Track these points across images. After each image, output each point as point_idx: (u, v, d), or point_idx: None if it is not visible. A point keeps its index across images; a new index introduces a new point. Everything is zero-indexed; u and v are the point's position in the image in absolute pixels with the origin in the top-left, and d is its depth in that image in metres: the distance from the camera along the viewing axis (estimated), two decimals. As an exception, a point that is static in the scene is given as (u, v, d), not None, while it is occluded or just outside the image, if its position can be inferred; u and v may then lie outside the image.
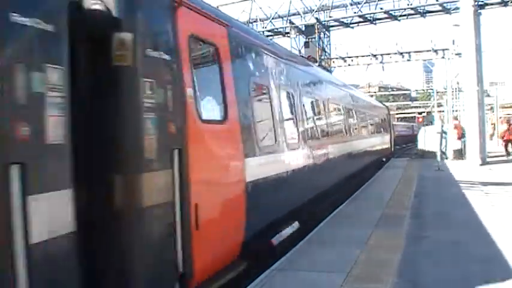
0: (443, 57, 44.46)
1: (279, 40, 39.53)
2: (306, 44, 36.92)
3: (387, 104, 78.45)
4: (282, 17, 38.22)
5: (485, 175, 19.56)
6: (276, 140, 8.64)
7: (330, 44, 40.43)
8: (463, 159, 26.01)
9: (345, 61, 46.22)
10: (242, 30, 8.37)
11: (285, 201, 9.01)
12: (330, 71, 35.25)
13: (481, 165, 23.67)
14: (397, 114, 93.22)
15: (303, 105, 11.02)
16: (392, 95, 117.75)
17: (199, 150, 5.70)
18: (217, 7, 34.86)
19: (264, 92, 8.67)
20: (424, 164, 24.80)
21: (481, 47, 25.34)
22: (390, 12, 36.18)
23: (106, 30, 4.44)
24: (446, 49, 43.18)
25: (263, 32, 37.52)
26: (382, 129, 29.02)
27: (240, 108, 7.18)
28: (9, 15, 3.32)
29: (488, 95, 50.31)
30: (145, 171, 4.68)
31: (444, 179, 18.39)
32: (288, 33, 38.65)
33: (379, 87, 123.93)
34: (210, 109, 6.54)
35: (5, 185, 3.27)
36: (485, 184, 16.40)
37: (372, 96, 57.50)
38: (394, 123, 59.00)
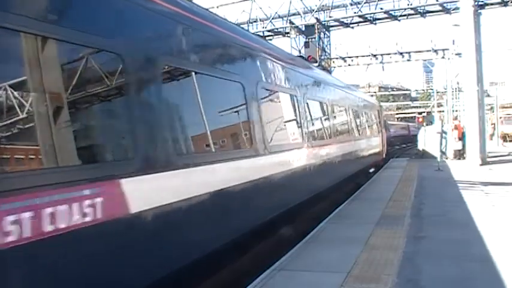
0: (443, 57, 44.47)
1: (279, 40, 39.67)
2: (306, 44, 36.89)
3: (387, 104, 78.27)
4: (282, 17, 38.18)
5: (485, 175, 19.59)
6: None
7: (330, 44, 40.40)
8: (463, 159, 26.04)
9: (345, 61, 46.26)
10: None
11: None
12: (330, 71, 35.24)
13: (481, 165, 23.72)
14: (397, 114, 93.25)
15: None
16: (392, 95, 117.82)
17: None
18: (217, 7, 34.97)
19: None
20: (424, 164, 24.81)
21: (481, 47, 25.37)
22: (390, 12, 36.14)
23: None
24: (446, 49, 43.20)
25: (263, 32, 37.51)
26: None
27: None
28: None
29: (488, 95, 50.34)
30: None
31: (444, 179, 18.40)
32: (288, 33, 38.63)
33: (379, 87, 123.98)
34: None
35: None
36: (485, 184, 16.43)
37: (372, 96, 57.47)
38: (390, 122, 58.99)
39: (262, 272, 6.96)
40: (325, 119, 13.96)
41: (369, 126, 22.92)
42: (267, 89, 9.37)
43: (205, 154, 6.80)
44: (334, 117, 15.06)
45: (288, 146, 10.17)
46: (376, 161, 23.80)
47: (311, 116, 12.15)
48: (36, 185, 3.99)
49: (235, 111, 8.00)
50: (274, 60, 9.99)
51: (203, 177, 6.42)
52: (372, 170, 22.25)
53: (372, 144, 23.09)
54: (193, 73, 6.58)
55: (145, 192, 5.18)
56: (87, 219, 4.39)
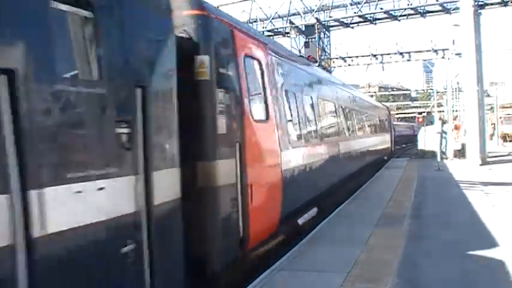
0: (443, 57, 44.42)
1: (279, 40, 39.48)
2: (306, 44, 36.88)
3: (387, 104, 78.35)
4: (282, 17, 38.16)
5: (485, 175, 19.60)
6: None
7: (330, 44, 40.39)
8: (463, 158, 26.04)
9: (345, 61, 46.23)
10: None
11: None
12: (330, 71, 35.26)
13: (481, 165, 23.72)
14: (397, 114, 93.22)
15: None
16: (392, 95, 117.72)
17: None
18: (218, 7, 34.93)
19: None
20: (424, 164, 24.82)
21: (481, 47, 25.38)
22: (390, 12, 36.14)
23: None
24: (446, 49, 43.15)
25: (263, 32, 37.49)
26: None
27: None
28: None
29: (488, 95, 50.30)
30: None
31: (444, 179, 18.41)
32: (288, 33, 38.62)
33: (379, 87, 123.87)
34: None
35: None
36: (485, 184, 16.43)
37: (372, 96, 57.48)
38: (394, 123, 59.02)
39: (262, 272, 6.96)
40: (363, 121, 21.63)
41: (383, 126, 30.00)
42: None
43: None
44: (369, 120, 23.52)
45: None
46: (388, 152, 31.57)
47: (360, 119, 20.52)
48: None
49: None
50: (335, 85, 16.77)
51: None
52: (385, 157, 29.42)
53: (386, 139, 30.31)
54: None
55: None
56: None
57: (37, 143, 3.31)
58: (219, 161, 6.35)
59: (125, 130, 4.26)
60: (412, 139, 60.10)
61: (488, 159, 25.71)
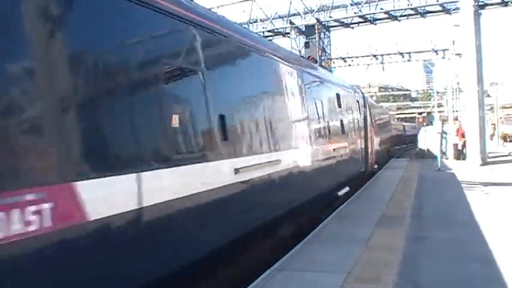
0: (443, 58, 44.48)
1: (279, 40, 39.54)
2: (306, 45, 36.93)
3: (387, 104, 78.08)
4: (282, 18, 38.18)
5: (485, 175, 19.58)
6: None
7: (330, 44, 40.40)
8: (463, 159, 26.02)
9: (345, 61, 46.30)
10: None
11: None
12: (331, 71, 35.31)
13: (482, 165, 23.71)
14: (397, 114, 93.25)
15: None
16: (392, 95, 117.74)
17: None
18: (218, 7, 34.94)
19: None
20: (424, 165, 24.81)
21: (481, 48, 25.32)
22: (390, 12, 36.17)
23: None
24: (447, 49, 43.19)
25: (263, 32, 37.49)
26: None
27: None
28: None
29: (488, 95, 50.21)
30: None
31: (444, 180, 18.41)
32: (288, 33, 38.65)
33: (379, 88, 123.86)
34: None
35: None
36: (485, 184, 16.42)
37: (372, 96, 57.42)
38: (401, 123, 59.10)
39: (262, 272, 6.94)
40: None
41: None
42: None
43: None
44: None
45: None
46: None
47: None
48: None
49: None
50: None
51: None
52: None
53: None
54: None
55: None
56: None
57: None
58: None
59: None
60: (414, 139, 60.46)
61: (489, 160, 25.67)
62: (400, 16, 36.97)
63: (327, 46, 39.49)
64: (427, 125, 40.89)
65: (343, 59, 45.99)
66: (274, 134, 9.10)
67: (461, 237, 8.88)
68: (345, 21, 38.13)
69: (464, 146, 26.35)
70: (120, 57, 5.12)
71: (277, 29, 39.13)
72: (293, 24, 37.66)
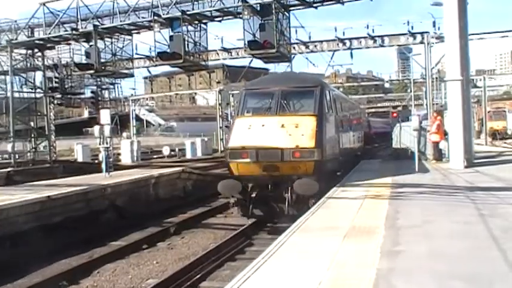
0: (421, 42, 45.07)
1: (230, 22, 39.38)
2: (262, 27, 36.85)
3: (356, 97, 78.97)
4: (234, -6, 38.01)
5: (470, 179, 19.69)
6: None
7: (289, 27, 40.40)
8: (445, 161, 26.31)
9: (307, 47, 46.30)
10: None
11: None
12: (290, 60, 35.50)
13: (466, 167, 23.77)
14: (368, 108, 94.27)
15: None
16: (362, 86, 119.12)
17: None
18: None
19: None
20: (398, 167, 25.09)
21: (467, 30, 25.23)
22: (360, -12, 36.46)
23: None
24: (426, 32, 43.72)
25: (211, 12, 37.34)
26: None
27: None
28: None
29: (475, 86, 50.70)
30: None
31: (422, 185, 18.51)
32: (241, 13, 38.54)
33: (347, 77, 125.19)
34: None
35: None
36: (471, 190, 16.52)
37: (338, 88, 57.96)
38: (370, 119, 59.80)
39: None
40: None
41: None
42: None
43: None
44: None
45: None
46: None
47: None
48: None
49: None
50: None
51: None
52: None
53: None
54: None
55: None
56: None
57: None
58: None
59: None
60: (388, 137, 61.12)
61: (475, 161, 25.79)
62: (372, -8, 37.27)
63: (285, 29, 39.55)
64: (402, 120, 41.36)
65: (305, 43, 45.97)
66: (356, 126, 34.85)
67: (441, 252, 9.01)
68: (307, -1, 38.22)
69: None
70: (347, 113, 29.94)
71: (227, 8, 38.87)
72: (246, 2, 37.55)
